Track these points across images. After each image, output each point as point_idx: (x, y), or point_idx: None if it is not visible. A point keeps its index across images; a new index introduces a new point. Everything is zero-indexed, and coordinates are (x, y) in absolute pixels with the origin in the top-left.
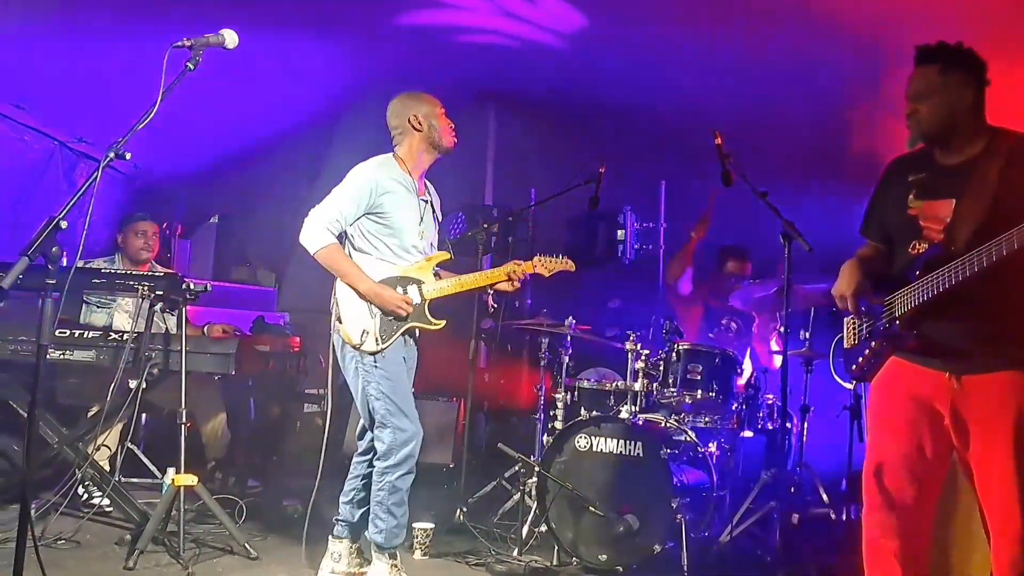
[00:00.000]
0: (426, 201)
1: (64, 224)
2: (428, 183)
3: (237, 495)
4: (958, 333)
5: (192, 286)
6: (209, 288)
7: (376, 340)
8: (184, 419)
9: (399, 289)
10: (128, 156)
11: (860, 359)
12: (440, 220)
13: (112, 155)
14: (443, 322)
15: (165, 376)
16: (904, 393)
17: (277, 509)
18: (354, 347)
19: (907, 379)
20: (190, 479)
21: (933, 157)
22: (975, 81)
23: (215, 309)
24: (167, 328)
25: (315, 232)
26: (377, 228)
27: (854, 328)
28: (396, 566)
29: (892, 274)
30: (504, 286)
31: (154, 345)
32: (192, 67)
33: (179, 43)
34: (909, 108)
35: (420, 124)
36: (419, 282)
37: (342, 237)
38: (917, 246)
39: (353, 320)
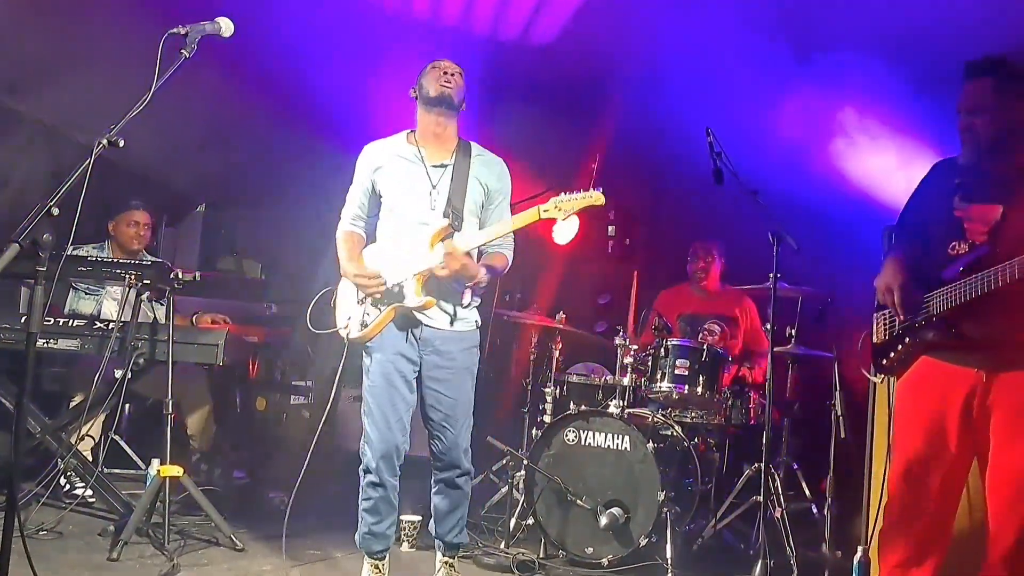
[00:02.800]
0: (444, 167)
1: (56, 211)
2: (469, 148)
3: (222, 487)
4: (994, 331)
5: (180, 275)
6: (198, 277)
7: (356, 327)
8: (170, 409)
9: (388, 269)
10: (122, 143)
11: (892, 354)
12: (486, 188)
13: (105, 142)
14: (426, 299)
15: (151, 366)
16: (934, 391)
17: (263, 501)
18: (344, 338)
19: (937, 378)
20: (176, 470)
21: (981, 162)
22: None
23: (201, 299)
24: (155, 317)
25: (339, 224)
26: (383, 208)
27: (885, 324)
28: (377, 567)
29: (931, 272)
30: (441, 274)
31: (140, 334)
32: (187, 54)
33: (175, 30)
34: (964, 122)
35: (416, 91)
36: (409, 258)
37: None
38: (958, 247)
39: (342, 305)
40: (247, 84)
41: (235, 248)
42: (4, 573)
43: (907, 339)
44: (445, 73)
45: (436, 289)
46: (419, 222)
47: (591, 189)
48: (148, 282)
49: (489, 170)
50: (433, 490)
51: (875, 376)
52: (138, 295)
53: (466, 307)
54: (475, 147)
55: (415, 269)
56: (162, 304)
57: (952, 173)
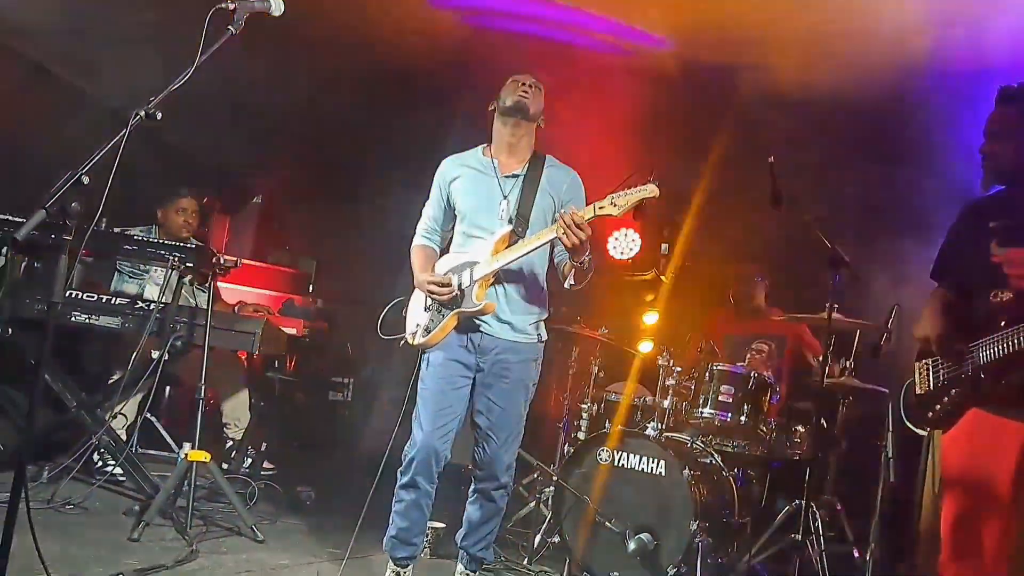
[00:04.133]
0: (515, 176)
1: (86, 179)
2: (543, 159)
3: (251, 476)
4: None
5: (222, 260)
6: (240, 263)
7: (421, 333)
8: (203, 394)
9: (455, 276)
10: (159, 116)
11: (938, 406)
12: (556, 198)
13: (142, 114)
14: (484, 303)
15: (188, 349)
16: (986, 445)
17: (290, 494)
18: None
19: (987, 431)
20: (204, 455)
21: (1014, 202)
22: None
23: (248, 288)
24: (196, 302)
25: (414, 238)
26: (457, 219)
27: (927, 373)
28: (399, 574)
29: (972, 321)
30: (568, 239)
31: (180, 317)
32: (235, 31)
33: (222, 5)
34: (985, 147)
35: (494, 104)
36: (474, 264)
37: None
38: (1000, 295)
39: (412, 313)
40: (319, 81)
41: (288, 243)
42: (7, 543)
43: (953, 391)
44: (523, 84)
45: (501, 299)
46: (488, 231)
47: (647, 183)
48: (191, 265)
49: (560, 180)
50: (469, 499)
51: (921, 429)
52: (180, 278)
53: (568, 288)
54: (549, 158)
55: (478, 275)
56: (204, 290)
57: (985, 214)
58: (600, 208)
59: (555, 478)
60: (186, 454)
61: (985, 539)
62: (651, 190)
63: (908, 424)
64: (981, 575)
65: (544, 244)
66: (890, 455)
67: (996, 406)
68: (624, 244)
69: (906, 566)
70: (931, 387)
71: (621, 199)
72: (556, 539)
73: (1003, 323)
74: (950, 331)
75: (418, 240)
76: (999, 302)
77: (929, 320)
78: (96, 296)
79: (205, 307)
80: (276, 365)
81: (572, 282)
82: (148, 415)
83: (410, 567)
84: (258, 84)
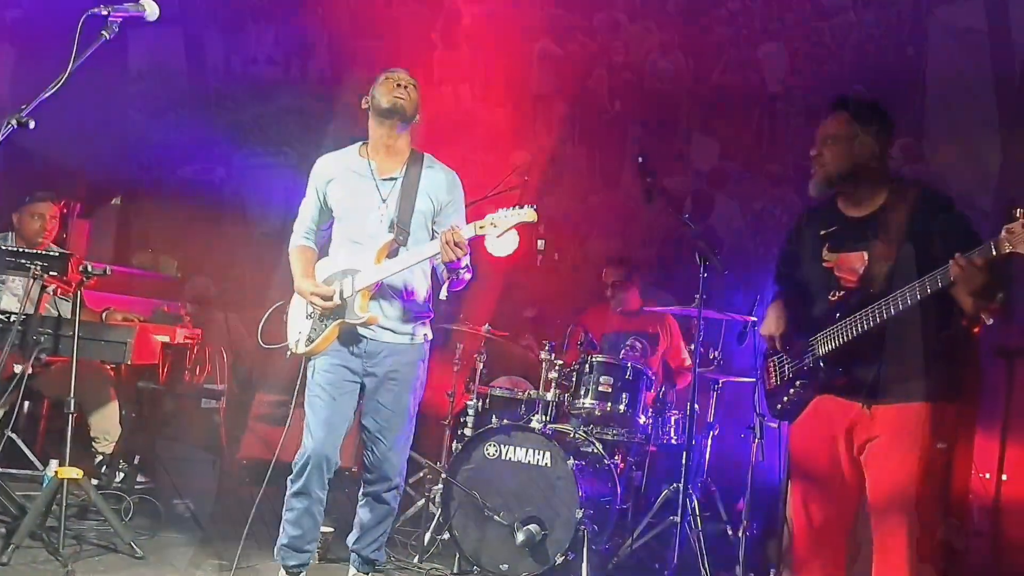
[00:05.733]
0: (393, 180)
1: None
2: (421, 159)
3: (125, 491)
4: (874, 369)
5: (90, 268)
6: (109, 271)
7: (303, 342)
8: (72, 409)
9: (336, 284)
10: (32, 124)
11: (785, 398)
12: (435, 200)
13: (14, 122)
14: (368, 315)
15: (54, 362)
16: (824, 426)
17: (167, 507)
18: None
19: (826, 413)
20: (75, 472)
21: (840, 210)
22: (881, 134)
23: (113, 295)
24: (59, 312)
25: (292, 237)
26: (335, 222)
27: (776, 368)
28: None
29: (812, 318)
30: (447, 255)
31: (44, 329)
32: (107, 36)
33: (95, 9)
34: (815, 151)
35: (367, 101)
36: (355, 273)
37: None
38: (836, 294)
39: (293, 322)
40: (171, 76)
41: (151, 244)
42: None
43: (797, 382)
44: (399, 85)
45: (382, 303)
46: (368, 236)
47: (524, 206)
48: (54, 274)
49: (439, 182)
50: (360, 502)
51: (773, 421)
52: (43, 288)
53: (444, 300)
54: (427, 158)
55: (360, 284)
56: (67, 299)
57: (817, 221)
58: (480, 228)
59: (443, 475)
60: (55, 471)
61: (824, 513)
62: (529, 214)
63: (760, 416)
64: (826, 548)
65: (425, 259)
66: (759, 437)
67: (834, 389)
68: (503, 242)
69: (775, 542)
70: (778, 381)
71: (500, 220)
72: (446, 536)
73: (838, 317)
74: (792, 329)
75: (297, 241)
76: (835, 300)
77: (772, 320)
78: None
79: (69, 317)
80: (147, 375)
81: (447, 294)
82: (10, 433)
83: (302, 574)
84: (114, 81)
